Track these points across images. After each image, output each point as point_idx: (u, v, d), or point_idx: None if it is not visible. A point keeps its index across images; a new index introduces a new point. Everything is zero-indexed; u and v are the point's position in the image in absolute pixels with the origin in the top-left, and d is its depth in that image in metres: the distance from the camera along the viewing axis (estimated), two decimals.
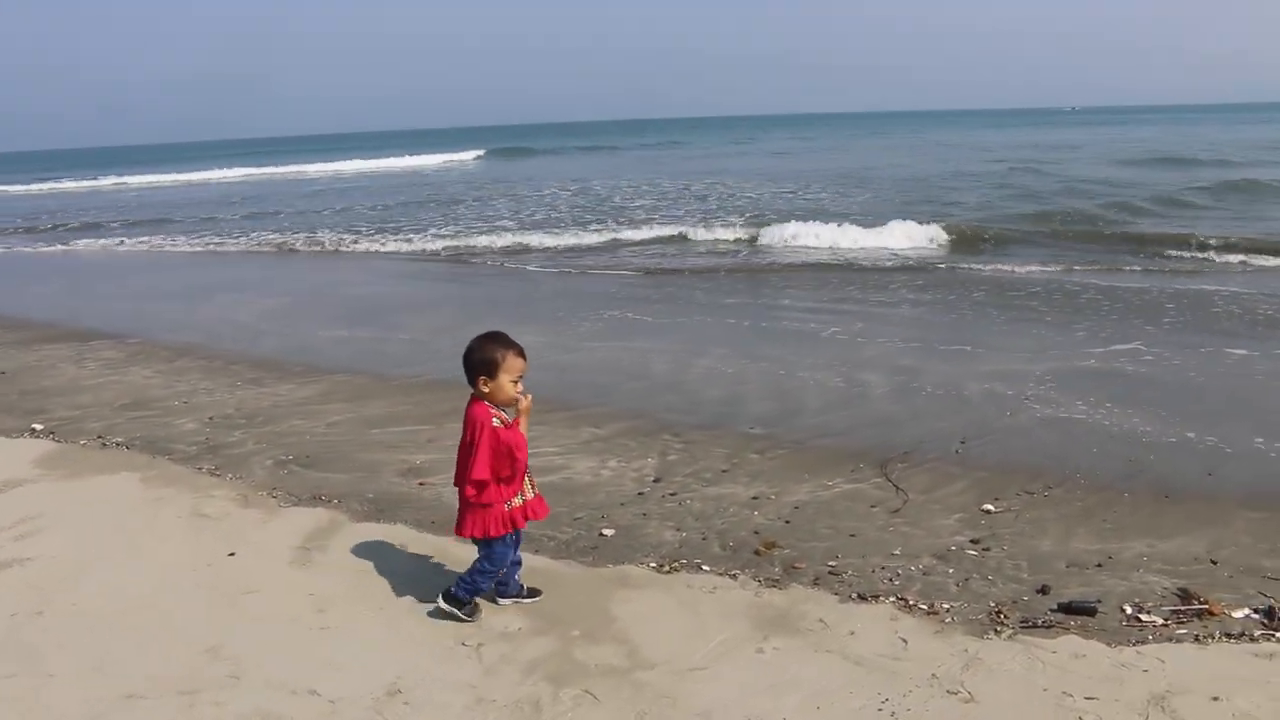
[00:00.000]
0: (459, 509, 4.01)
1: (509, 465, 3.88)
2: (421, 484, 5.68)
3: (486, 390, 3.84)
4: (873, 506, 5.17)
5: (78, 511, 5.32)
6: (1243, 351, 8.29)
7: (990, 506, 5.08)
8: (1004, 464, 5.72)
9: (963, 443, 6.09)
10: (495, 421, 3.85)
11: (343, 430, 6.76)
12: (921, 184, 27.06)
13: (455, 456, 4.01)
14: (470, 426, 3.86)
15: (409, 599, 4.24)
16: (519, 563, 4.23)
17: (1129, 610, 3.97)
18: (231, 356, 9.21)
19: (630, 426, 6.63)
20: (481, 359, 3.83)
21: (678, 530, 4.93)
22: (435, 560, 4.65)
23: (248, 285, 14.79)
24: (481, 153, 64.20)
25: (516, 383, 3.88)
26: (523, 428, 3.94)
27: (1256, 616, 3.90)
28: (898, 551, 4.60)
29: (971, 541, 4.68)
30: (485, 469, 3.82)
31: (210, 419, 7.08)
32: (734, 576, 4.39)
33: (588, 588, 4.33)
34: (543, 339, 9.27)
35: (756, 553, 4.63)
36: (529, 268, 15.72)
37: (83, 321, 11.45)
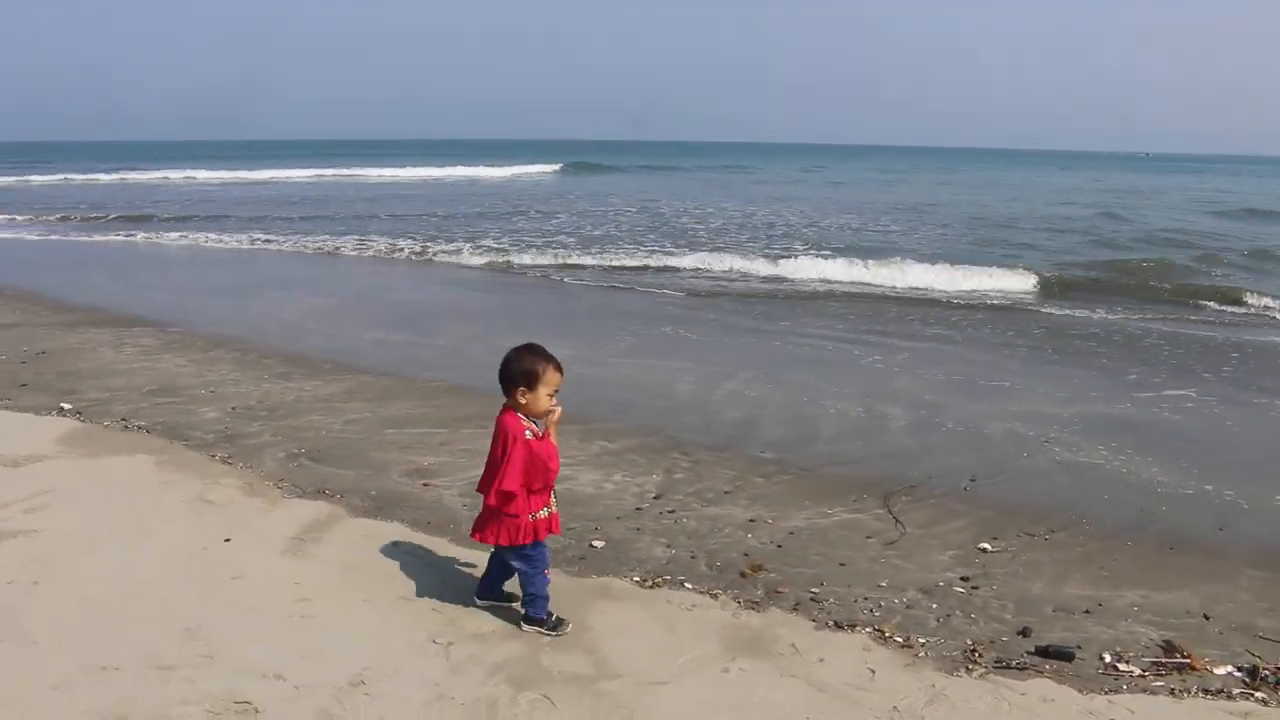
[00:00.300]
0: (481, 515, 4.10)
1: (542, 477, 3.97)
2: (425, 485, 5.83)
3: (523, 401, 3.92)
4: (868, 537, 5.19)
5: (89, 489, 5.56)
6: None
7: (987, 545, 5.08)
8: (1010, 504, 5.70)
9: (973, 480, 6.08)
10: (528, 434, 3.93)
11: (359, 428, 6.95)
12: (995, 225, 26.68)
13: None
14: (502, 437, 3.93)
15: (392, 593, 4.38)
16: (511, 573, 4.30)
17: (1108, 658, 3.96)
18: (266, 351, 9.50)
19: (642, 443, 6.73)
20: (521, 370, 3.91)
21: (668, 547, 5.01)
22: (424, 558, 4.79)
23: (295, 284, 15.19)
24: (558, 166, 64.23)
25: (552, 396, 3.96)
26: (553, 439, 4.02)
27: (1239, 675, 3.86)
28: (884, 583, 4.63)
29: (961, 579, 4.68)
30: (516, 481, 3.89)
31: (233, 409, 7.33)
32: (715, 596, 4.46)
33: (568, 597, 4.41)
34: (573, 352, 9.39)
35: (742, 574, 4.69)
36: (570, 280, 15.95)
37: (128, 308, 11.90)
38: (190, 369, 8.65)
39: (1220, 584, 4.68)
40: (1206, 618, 4.33)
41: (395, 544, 4.97)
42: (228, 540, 4.92)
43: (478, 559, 4.78)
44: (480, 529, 4.10)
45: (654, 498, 5.72)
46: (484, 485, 4.09)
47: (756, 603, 4.40)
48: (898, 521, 5.38)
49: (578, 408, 7.13)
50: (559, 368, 3.99)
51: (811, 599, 4.45)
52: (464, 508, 5.48)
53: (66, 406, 7.24)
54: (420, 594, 4.39)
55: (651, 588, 4.54)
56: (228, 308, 12.53)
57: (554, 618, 4.11)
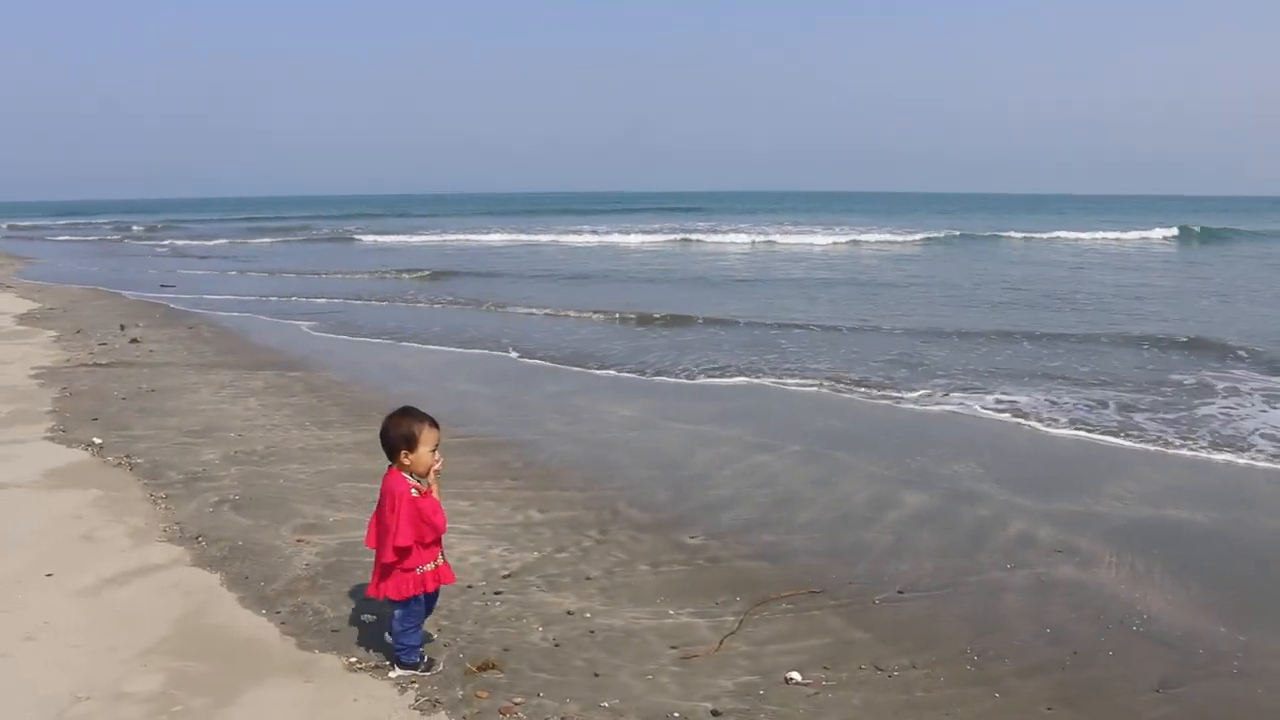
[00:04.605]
0: (376, 571, 4.46)
1: (430, 532, 4.43)
2: (299, 541, 6.04)
3: (408, 463, 4.41)
4: (673, 647, 4.65)
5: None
6: None
7: (797, 676, 4.34)
8: (904, 626, 4.84)
9: (900, 592, 5.20)
10: (413, 491, 4.39)
11: (320, 479, 7.33)
12: None
13: (364, 517, 4.53)
14: (388, 498, 4.40)
15: (103, 645, 4.63)
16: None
17: None
18: (347, 398, 10.29)
19: (570, 516, 6.51)
20: (401, 434, 4.40)
21: (438, 632, 4.82)
22: (187, 615, 5.02)
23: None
24: (1171, 232, 49.80)
25: (434, 451, 4.46)
26: (435, 492, 4.49)
27: None
28: (608, 704, 4.14)
29: (711, 712, 4.06)
30: (408, 536, 4.36)
31: (234, 453, 8.02)
32: (403, 690, 4.28)
33: (260, 668, 4.44)
34: (634, 413, 9.30)
35: (467, 672, 4.42)
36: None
37: (295, 354, 13.38)
38: (251, 412, 9.58)
39: None
40: None
41: (186, 595, 5.26)
42: (48, 575, 5.45)
43: (246, 621, 4.96)
44: (375, 586, 4.46)
45: (503, 577, 5.52)
46: (374, 542, 4.49)
47: (435, 703, 4.16)
48: (730, 633, 4.74)
49: (560, 469, 6.98)
50: (435, 424, 4.49)
51: (501, 710, 4.08)
52: (305, 567, 5.64)
53: (96, 441, 8.30)
54: (127, 648, 4.59)
55: (354, 671, 4.45)
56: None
57: (425, 659, 4.51)
